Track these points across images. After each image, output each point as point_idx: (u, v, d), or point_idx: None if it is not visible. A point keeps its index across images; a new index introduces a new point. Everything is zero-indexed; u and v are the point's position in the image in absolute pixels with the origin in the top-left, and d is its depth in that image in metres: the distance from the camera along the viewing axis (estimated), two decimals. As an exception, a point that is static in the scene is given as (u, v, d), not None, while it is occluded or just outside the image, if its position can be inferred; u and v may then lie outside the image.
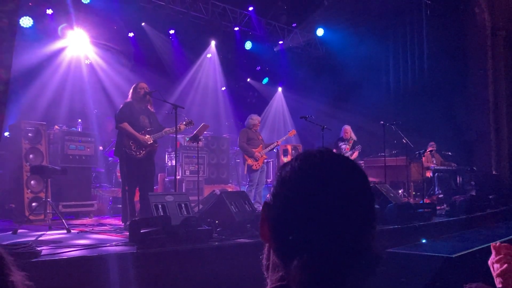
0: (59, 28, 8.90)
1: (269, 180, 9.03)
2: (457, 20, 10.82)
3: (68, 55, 9.27)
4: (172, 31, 10.98)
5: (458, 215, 6.57)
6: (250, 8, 11.14)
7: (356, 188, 0.81)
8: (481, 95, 10.60)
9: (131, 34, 10.47)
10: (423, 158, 8.76)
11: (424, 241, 4.20)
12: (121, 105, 5.82)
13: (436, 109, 10.68)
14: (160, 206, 4.58)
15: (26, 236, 4.54)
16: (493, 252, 1.35)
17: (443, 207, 7.84)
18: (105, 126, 9.07)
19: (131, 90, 5.85)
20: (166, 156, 8.88)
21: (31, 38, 8.33)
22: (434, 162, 9.91)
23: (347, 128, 9.04)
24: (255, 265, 0.93)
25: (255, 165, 7.56)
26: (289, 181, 0.82)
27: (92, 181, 7.42)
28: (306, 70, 13.11)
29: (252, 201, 5.85)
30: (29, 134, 6.27)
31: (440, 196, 9.30)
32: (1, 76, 3.49)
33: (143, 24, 10.40)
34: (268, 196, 0.87)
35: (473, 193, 8.91)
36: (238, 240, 4.24)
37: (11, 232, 4.75)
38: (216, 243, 4.06)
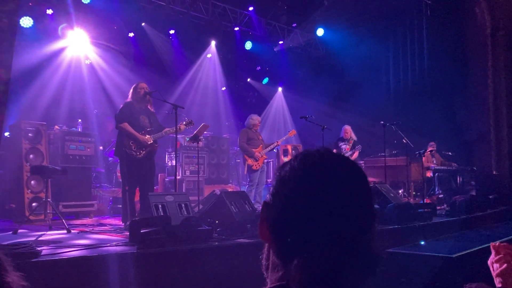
0: (59, 28, 8.91)
1: (269, 180, 9.03)
2: (457, 20, 10.81)
3: (68, 55, 9.27)
4: (172, 31, 10.98)
5: (458, 215, 6.57)
6: (250, 8, 11.14)
7: (356, 187, 0.81)
8: (481, 95, 10.59)
9: (131, 34, 10.47)
10: (423, 158, 8.76)
11: (422, 242, 4.19)
12: (121, 105, 5.82)
13: (436, 109, 10.68)
14: (160, 206, 4.58)
15: (26, 236, 4.54)
16: (493, 252, 1.36)
17: (443, 207, 7.84)
18: (105, 126, 9.08)
19: (131, 90, 5.85)
20: (166, 156, 8.88)
21: (31, 38, 8.34)
22: (434, 162, 9.91)
23: (347, 128, 9.04)
24: (255, 265, 0.93)
25: (255, 165, 7.56)
26: (289, 181, 0.82)
27: (92, 181, 7.43)
28: (306, 70, 13.11)
29: (252, 201, 5.85)
30: (29, 134, 6.27)
31: (440, 196, 9.30)
32: (1, 76, 3.49)
33: (143, 24, 10.40)
34: (267, 196, 0.87)
35: (473, 193, 8.91)
36: (238, 240, 4.24)
37: (11, 232, 4.75)
38: (216, 243, 4.06)
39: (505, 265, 1.29)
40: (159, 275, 3.48)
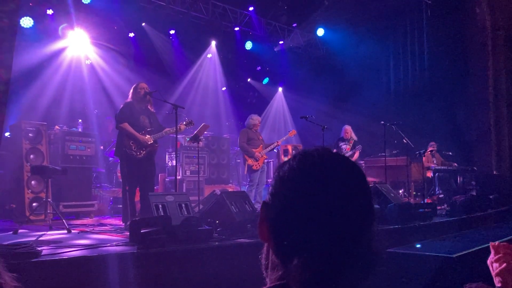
0: (60, 28, 8.91)
1: (269, 180, 9.03)
2: (457, 20, 10.81)
3: (68, 55, 9.28)
4: (172, 31, 10.99)
5: (459, 215, 6.56)
6: (251, 8, 11.15)
7: (355, 187, 0.81)
8: (481, 94, 10.59)
9: (131, 34, 10.48)
10: (424, 158, 8.75)
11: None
12: (122, 105, 5.82)
13: (437, 109, 10.68)
14: (160, 206, 4.58)
15: (27, 236, 4.54)
16: (492, 252, 1.36)
17: (443, 207, 7.83)
18: (106, 126, 9.08)
19: (131, 90, 5.85)
20: (167, 156, 8.89)
21: (31, 38, 8.35)
22: (435, 162, 9.90)
23: (348, 128, 9.04)
24: (255, 265, 0.93)
25: (256, 165, 7.56)
26: (288, 181, 0.82)
27: (92, 181, 7.43)
28: (306, 70, 13.11)
29: (253, 201, 5.85)
30: (30, 134, 6.28)
31: (441, 196, 9.29)
32: (1, 76, 3.49)
33: (143, 24, 10.41)
34: (267, 195, 0.87)
35: (474, 193, 8.91)
36: (239, 240, 4.24)
37: (11, 232, 4.75)
38: (217, 243, 4.06)
39: (504, 264, 1.29)
40: (159, 275, 3.49)
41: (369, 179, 8.86)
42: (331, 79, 12.04)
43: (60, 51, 9.13)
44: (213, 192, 7.08)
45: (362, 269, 0.79)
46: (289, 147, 9.58)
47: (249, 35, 11.86)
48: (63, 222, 4.91)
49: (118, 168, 7.04)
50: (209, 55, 12.04)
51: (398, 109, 10.89)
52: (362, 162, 9.57)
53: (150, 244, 3.60)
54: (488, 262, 1.36)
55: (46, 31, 8.84)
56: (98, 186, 7.78)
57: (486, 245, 1.43)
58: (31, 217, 5.57)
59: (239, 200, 5.06)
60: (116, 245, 3.80)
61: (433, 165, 9.73)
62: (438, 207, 7.08)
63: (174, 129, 5.63)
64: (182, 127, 5.86)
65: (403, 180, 9.21)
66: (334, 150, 0.87)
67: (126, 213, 5.49)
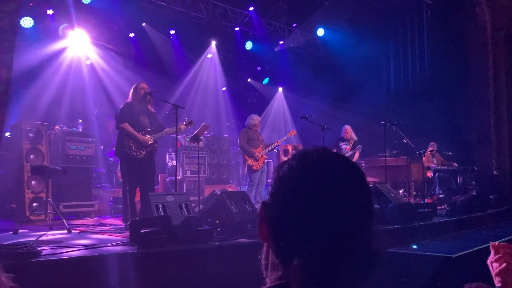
0: (60, 28, 8.92)
1: (269, 180, 9.03)
2: (457, 20, 10.81)
3: (68, 56, 9.29)
4: (172, 31, 11.00)
5: (459, 215, 6.56)
6: (251, 8, 11.15)
7: (355, 187, 0.81)
8: (481, 94, 10.60)
9: (131, 35, 10.48)
10: (424, 158, 8.76)
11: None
12: (122, 106, 5.82)
13: (437, 109, 10.67)
14: (160, 206, 4.58)
15: (27, 236, 4.54)
16: (492, 251, 1.36)
17: (443, 207, 7.83)
18: (106, 127, 9.09)
19: (131, 91, 5.85)
20: (167, 156, 8.89)
21: (32, 39, 8.35)
22: (435, 162, 9.90)
23: (348, 128, 9.04)
24: (255, 265, 0.93)
25: (256, 165, 7.56)
26: (287, 181, 0.82)
27: (92, 181, 7.43)
28: (306, 70, 13.11)
29: (253, 201, 5.85)
30: (30, 135, 6.28)
31: (441, 196, 9.29)
32: (2, 76, 3.50)
33: (143, 24, 10.41)
34: (266, 195, 0.87)
35: (474, 193, 8.90)
36: (239, 240, 4.24)
37: (12, 232, 4.75)
38: (217, 243, 4.06)
39: (504, 264, 1.29)
40: (159, 275, 3.49)
41: (369, 179, 8.86)
42: (331, 79, 12.03)
43: (61, 51, 9.13)
44: (213, 192, 7.08)
45: (362, 269, 0.79)
46: (289, 147, 9.58)
47: (249, 35, 11.87)
48: (63, 222, 4.91)
49: (118, 168, 7.05)
50: (209, 55, 12.04)
51: (398, 109, 10.89)
52: (362, 162, 9.58)
53: (150, 244, 3.61)
54: (488, 262, 1.36)
55: (47, 31, 8.84)
56: (98, 186, 7.78)
57: (486, 245, 1.43)
58: (31, 217, 5.57)
59: (239, 200, 5.07)
60: (116, 245, 3.80)
61: (433, 165, 9.73)
62: (438, 207, 7.07)
63: (174, 129, 5.63)
64: (182, 127, 5.86)
65: (403, 180, 9.21)
66: (334, 150, 0.87)
67: (126, 213, 5.49)
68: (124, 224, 5.44)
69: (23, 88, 8.15)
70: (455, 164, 9.86)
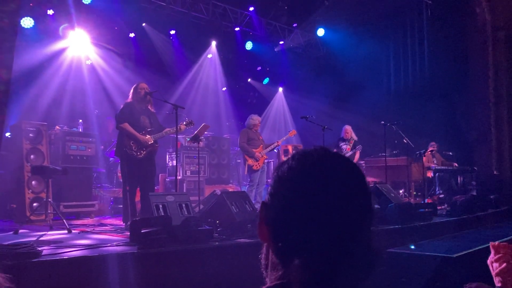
0: (60, 28, 8.92)
1: (269, 180, 9.02)
2: (457, 20, 10.81)
3: (69, 56, 9.29)
4: (172, 32, 11.00)
5: (459, 215, 6.56)
6: (251, 8, 11.15)
7: (355, 186, 0.81)
8: (482, 94, 10.59)
9: (132, 35, 10.49)
10: (424, 158, 8.76)
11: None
12: (122, 106, 5.83)
13: (437, 109, 10.68)
14: (161, 206, 4.58)
15: (27, 236, 4.54)
16: (492, 251, 1.36)
17: (444, 207, 7.83)
18: (106, 127, 9.09)
19: (131, 91, 5.85)
20: (167, 156, 8.89)
21: (32, 39, 8.35)
22: (435, 162, 9.91)
23: (348, 128, 9.04)
24: (256, 265, 0.93)
25: (256, 165, 7.56)
26: (287, 181, 0.82)
27: (93, 181, 7.43)
28: (306, 70, 13.11)
29: (253, 201, 5.85)
30: (30, 135, 6.28)
31: (441, 196, 9.29)
32: (2, 76, 3.50)
33: (143, 24, 10.42)
34: (266, 196, 0.87)
35: (474, 193, 8.90)
36: (239, 240, 4.24)
37: (12, 232, 4.75)
38: (217, 243, 4.06)
39: (504, 264, 1.29)
40: (159, 275, 3.49)
41: (370, 179, 8.87)
42: (331, 79, 12.04)
43: (61, 51, 9.14)
44: (214, 192, 7.09)
45: (362, 269, 0.79)
46: (290, 147, 9.58)
47: (249, 35, 11.87)
48: (64, 222, 4.91)
49: (119, 168, 7.05)
50: (210, 55, 12.04)
51: (398, 109, 10.89)
52: (362, 162, 9.58)
53: (150, 244, 3.61)
54: (488, 262, 1.37)
55: (47, 32, 8.84)
56: (98, 186, 7.78)
57: (486, 245, 1.43)
58: (32, 217, 5.57)
59: (240, 200, 5.07)
60: (117, 245, 3.80)
61: (433, 165, 9.73)
62: (439, 207, 7.08)
63: (175, 129, 5.63)
64: (182, 127, 5.86)
65: (404, 180, 9.22)
66: (335, 150, 0.87)
67: (127, 213, 5.49)
68: (124, 224, 5.44)
69: (23, 88, 8.16)
70: (455, 164, 9.86)
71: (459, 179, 9.69)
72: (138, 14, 9.82)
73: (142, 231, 3.69)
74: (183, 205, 4.76)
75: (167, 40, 11.05)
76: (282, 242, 0.80)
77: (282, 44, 12.46)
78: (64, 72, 9.14)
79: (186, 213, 4.69)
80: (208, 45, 11.79)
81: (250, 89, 13.64)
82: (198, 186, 7.62)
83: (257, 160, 7.57)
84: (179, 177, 8.28)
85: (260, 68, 13.46)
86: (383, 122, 8.05)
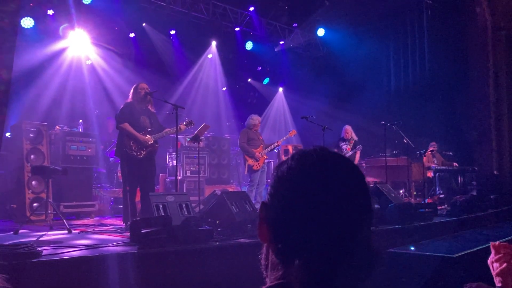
0: (60, 28, 8.92)
1: (269, 181, 9.02)
2: (458, 20, 10.81)
3: (69, 56, 9.29)
4: (173, 32, 11.00)
5: (459, 215, 6.56)
6: (251, 8, 11.15)
7: (354, 186, 0.81)
8: (482, 94, 10.59)
9: (132, 35, 10.49)
10: (424, 158, 8.75)
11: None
12: (122, 106, 5.83)
13: (437, 109, 10.68)
14: (161, 206, 4.58)
15: (27, 236, 4.55)
16: (493, 251, 1.36)
17: (444, 207, 7.83)
18: (106, 127, 9.09)
19: (131, 91, 5.85)
20: (167, 156, 8.89)
21: (32, 39, 8.36)
22: (435, 162, 9.90)
23: (348, 128, 9.04)
24: (256, 265, 0.93)
25: (256, 165, 7.56)
26: (286, 181, 0.82)
27: (93, 181, 7.43)
28: (307, 70, 13.11)
29: (253, 201, 5.85)
30: (30, 135, 6.28)
31: (441, 196, 9.28)
32: (2, 76, 3.50)
33: (144, 24, 10.42)
34: (266, 196, 0.87)
35: (474, 193, 8.89)
36: (239, 240, 4.24)
37: (12, 232, 4.75)
38: (217, 243, 4.06)
39: (504, 264, 1.29)
40: (159, 275, 3.49)
41: (370, 179, 8.87)
42: (331, 79, 12.04)
43: (61, 51, 9.14)
44: (214, 192, 7.08)
45: (362, 269, 0.79)
46: (290, 147, 9.59)
47: (249, 35, 11.87)
48: (64, 222, 4.91)
49: (119, 168, 7.05)
50: (210, 55, 12.04)
51: (398, 109, 10.88)
52: (362, 162, 9.58)
53: (150, 244, 3.61)
54: (489, 262, 1.36)
55: (47, 32, 8.85)
56: (98, 186, 7.79)
57: (487, 245, 1.43)
58: (32, 217, 5.57)
59: (240, 200, 5.07)
60: (117, 245, 3.80)
61: (433, 165, 9.73)
62: (439, 207, 7.07)
63: (175, 129, 5.63)
64: (183, 127, 5.86)
65: (404, 180, 9.22)
66: (335, 150, 0.87)
67: (127, 213, 5.49)
68: (124, 224, 5.45)
69: (23, 88, 8.16)
70: (456, 164, 9.86)
71: (459, 179, 9.69)
72: (138, 14, 9.82)
73: (142, 231, 3.69)
74: (183, 205, 4.76)
75: (167, 40, 11.05)
76: (282, 242, 0.80)
77: (282, 44, 12.46)
78: (64, 72, 9.14)
79: (186, 213, 4.69)
80: (208, 45, 11.79)
81: (250, 89, 13.64)
82: (198, 186, 7.62)
83: (257, 160, 7.57)
84: (179, 177, 8.28)
85: (260, 68, 13.46)
86: (383, 122, 8.04)
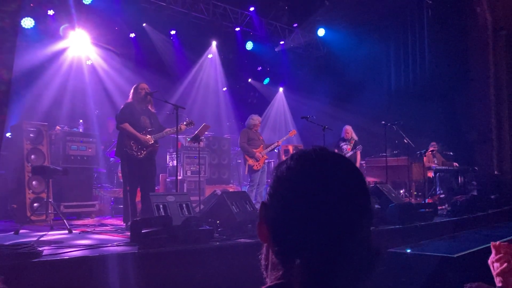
0: (61, 28, 8.92)
1: (269, 181, 9.02)
2: (458, 20, 10.81)
3: (69, 56, 9.29)
4: (173, 32, 11.00)
5: (460, 215, 6.56)
6: (251, 9, 11.15)
7: (354, 186, 0.81)
8: (482, 94, 10.59)
9: (132, 35, 10.49)
10: (425, 158, 8.75)
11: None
12: (122, 106, 5.83)
13: (437, 109, 10.68)
14: (161, 206, 4.59)
15: (28, 236, 4.55)
16: (493, 251, 1.36)
17: (444, 207, 7.83)
18: (106, 127, 9.09)
19: (132, 91, 5.85)
20: (168, 156, 8.89)
21: (32, 39, 8.36)
22: (436, 162, 9.90)
23: (348, 128, 9.03)
24: (256, 265, 0.93)
25: (256, 165, 7.56)
26: (286, 181, 0.82)
27: (93, 181, 7.44)
28: (307, 70, 13.11)
29: (253, 201, 5.85)
30: (31, 135, 6.28)
31: (442, 196, 9.29)
32: (3, 76, 3.50)
33: (144, 24, 10.42)
34: (266, 196, 0.87)
35: (475, 193, 8.90)
36: (239, 240, 4.24)
37: (13, 232, 4.76)
38: (217, 243, 4.06)
39: (505, 264, 1.29)
40: (160, 275, 3.49)
41: (370, 179, 8.87)
42: (331, 79, 12.04)
43: (61, 51, 9.14)
44: (214, 192, 7.08)
45: (362, 269, 0.79)
46: (290, 147, 9.59)
47: (249, 35, 11.87)
48: (64, 222, 4.91)
49: (119, 168, 7.05)
50: (210, 56, 12.04)
51: (398, 109, 10.88)
52: (363, 162, 9.58)
53: (151, 244, 3.61)
54: (489, 262, 1.36)
55: (47, 32, 8.85)
56: (99, 187, 7.79)
57: (487, 245, 1.43)
58: (32, 217, 5.58)
59: (240, 200, 5.07)
60: (117, 245, 3.80)
61: (434, 165, 9.73)
62: (439, 207, 7.08)
63: (175, 129, 5.63)
64: (183, 127, 5.86)
65: (404, 180, 9.22)
66: (336, 150, 0.87)
67: (127, 213, 5.50)
68: (124, 224, 5.45)
69: (24, 88, 8.16)
70: (456, 164, 9.85)
71: (459, 179, 9.69)
72: (139, 14, 9.82)
73: (142, 231, 3.69)
74: (184, 205, 4.76)
75: (168, 40, 11.05)
76: (282, 242, 0.80)
77: (282, 44, 12.46)
78: (64, 72, 9.14)
79: (186, 213, 4.69)
80: (208, 45, 11.79)
81: (251, 89, 13.64)
82: (198, 186, 7.62)
83: (257, 160, 7.57)
84: (180, 177, 8.28)
85: (260, 68, 13.46)
86: (383, 122, 8.04)
